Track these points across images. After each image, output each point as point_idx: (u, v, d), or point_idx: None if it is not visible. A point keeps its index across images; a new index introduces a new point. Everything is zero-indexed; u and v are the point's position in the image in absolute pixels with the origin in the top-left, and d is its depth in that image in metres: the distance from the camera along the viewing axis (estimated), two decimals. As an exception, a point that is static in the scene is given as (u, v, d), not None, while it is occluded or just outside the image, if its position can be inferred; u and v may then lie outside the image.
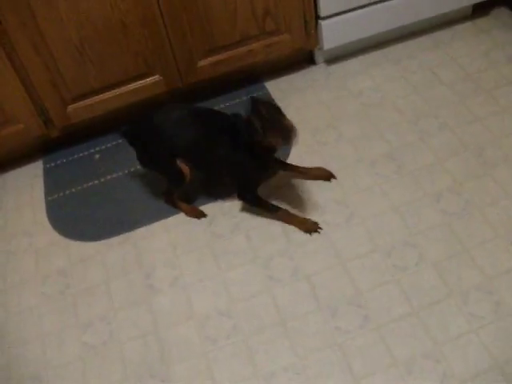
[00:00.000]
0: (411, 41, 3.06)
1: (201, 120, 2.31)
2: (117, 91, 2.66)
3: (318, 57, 3.00)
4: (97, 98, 2.66)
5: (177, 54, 2.63)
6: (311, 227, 2.36)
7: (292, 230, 2.36)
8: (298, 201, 2.46)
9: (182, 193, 2.50)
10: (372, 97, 2.82)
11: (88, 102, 2.66)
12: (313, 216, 2.38)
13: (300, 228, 2.37)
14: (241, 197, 2.42)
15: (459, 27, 3.09)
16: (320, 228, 2.35)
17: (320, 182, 2.49)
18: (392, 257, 2.22)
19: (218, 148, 2.26)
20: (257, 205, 2.41)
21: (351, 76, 2.95)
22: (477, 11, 3.12)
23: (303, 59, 3.03)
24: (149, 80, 2.67)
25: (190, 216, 2.50)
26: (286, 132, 2.06)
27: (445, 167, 2.46)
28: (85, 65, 2.53)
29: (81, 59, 2.51)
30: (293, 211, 2.40)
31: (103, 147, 2.84)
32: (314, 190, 2.48)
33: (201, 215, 2.50)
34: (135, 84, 2.67)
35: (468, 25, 3.10)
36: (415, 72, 2.89)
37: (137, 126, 2.37)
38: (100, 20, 2.44)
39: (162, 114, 2.32)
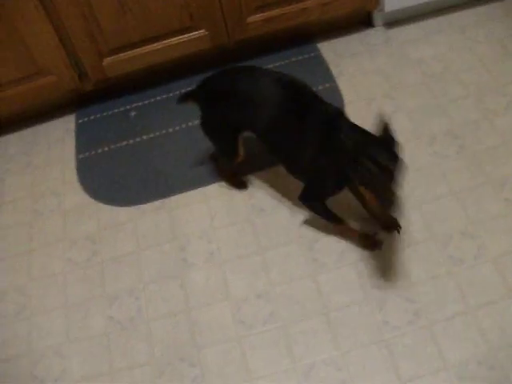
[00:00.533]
0: (480, 7, 2.79)
1: (291, 98, 1.95)
2: (158, 45, 2.48)
3: (377, 19, 2.76)
4: (136, 52, 2.48)
5: (225, 7, 2.43)
6: (372, 244, 2.08)
7: (340, 208, 2.16)
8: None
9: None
10: (434, 66, 2.59)
11: (126, 55, 2.49)
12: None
13: (360, 245, 2.09)
14: (305, 201, 2.05)
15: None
16: (381, 244, 2.08)
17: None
18: (449, 247, 2.03)
19: (304, 142, 1.91)
20: (321, 214, 2.07)
21: (412, 42, 2.70)
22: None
23: (361, 21, 2.78)
24: (193, 34, 2.48)
25: (231, 184, 2.32)
26: (385, 198, 1.87)
27: (511, 151, 2.25)
28: (125, 15, 2.35)
29: (121, 9, 2.33)
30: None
31: (140, 104, 2.66)
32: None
33: (242, 185, 2.32)
34: (178, 38, 2.48)
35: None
36: (482, 42, 2.64)
37: (212, 85, 2.09)
38: (144, -33, 2.24)
39: (244, 78, 2.02)
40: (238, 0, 2.41)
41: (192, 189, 2.33)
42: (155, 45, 2.47)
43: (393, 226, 2.10)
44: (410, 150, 2.29)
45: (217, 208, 2.26)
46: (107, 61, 2.47)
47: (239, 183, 2.32)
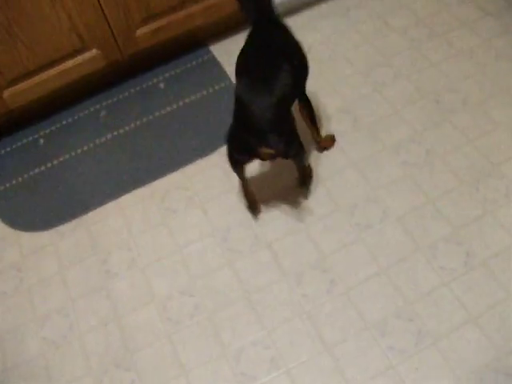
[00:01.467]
0: (357, -11, 2.93)
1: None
2: (54, 70, 2.52)
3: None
4: (34, 80, 2.51)
5: (112, 24, 2.48)
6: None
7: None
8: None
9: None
10: (322, 51, 2.69)
11: (25, 85, 2.51)
12: (274, 184, 2.28)
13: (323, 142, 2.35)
14: (308, 101, 2.15)
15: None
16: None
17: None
18: (355, 215, 2.13)
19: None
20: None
21: (298, 31, 2.75)
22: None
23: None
24: (86, 55, 2.53)
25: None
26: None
27: (402, 117, 2.37)
28: (16, 46, 2.38)
29: (11, 40, 2.36)
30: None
31: (48, 131, 2.69)
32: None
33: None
34: (72, 61, 2.52)
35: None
36: (365, 22, 2.76)
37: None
38: (25, -3, 2.29)
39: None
40: (123, 15, 2.47)
41: (106, 202, 2.38)
42: (51, 71, 2.51)
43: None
44: (309, 133, 2.39)
45: (132, 217, 2.31)
46: (7, 93, 2.49)
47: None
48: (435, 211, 2.09)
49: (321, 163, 2.29)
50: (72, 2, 2.36)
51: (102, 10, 2.43)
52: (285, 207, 2.20)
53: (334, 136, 2.36)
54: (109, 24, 2.48)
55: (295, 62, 2.02)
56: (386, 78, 2.51)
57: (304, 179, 2.24)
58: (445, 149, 2.24)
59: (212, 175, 2.35)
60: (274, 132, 1.81)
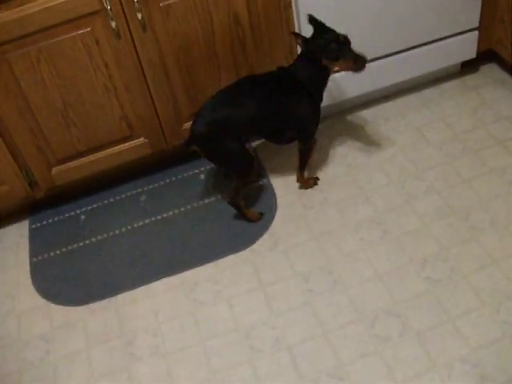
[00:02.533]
0: (398, 99, 3.05)
1: (255, 87, 2.44)
2: (102, 153, 2.66)
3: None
4: (82, 161, 2.66)
5: (161, 117, 2.63)
6: (314, 181, 2.72)
7: (275, 298, 2.32)
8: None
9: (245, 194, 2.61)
10: (358, 158, 2.79)
11: (73, 164, 2.65)
12: (297, 285, 2.36)
13: (307, 185, 2.71)
14: (305, 144, 2.59)
15: (447, 85, 3.07)
16: (318, 179, 2.73)
17: (304, 248, 2.48)
18: (375, 327, 2.18)
19: (285, 101, 2.44)
20: (309, 155, 2.64)
21: (337, 137, 2.93)
22: (466, 68, 3.11)
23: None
24: (134, 143, 2.67)
25: (254, 219, 2.61)
26: (359, 56, 2.36)
27: (430, 232, 2.43)
28: (69, 128, 2.53)
29: (64, 123, 2.52)
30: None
31: (89, 208, 2.82)
32: (295, 256, 2.46)
33: (260, 215, 2.62)
34: (120, 147, 2.67)
35: (456, 82, 3.08)
36: (402, 132, 2.87)
37: (201, 125, 2.40)
38: (83, 85, 2.44)
39: (215, 104, 2.41)
40: (172, 109, 2.61)
41: (138, 286, 2.47)
42: (99, 154, 2.65)
43: (311, 183, 2.71)
44: (337, 238, 2.48)
45: (160, 303, 2.40)
46: (55, 170, 2.64)
47: (258, 216, 2.63)
48: (454, 330, 2.13)
49: (347, 271, 2.36)
50: (126, 94, 2.51)
51: (153, 103, 2.58)
52: (308, 313, 2.26)
53: (316, 179, 2.71)
54: (158, 116, 2.62)
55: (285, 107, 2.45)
56: (418, 191, 2.59)
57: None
58: (469, 268, 2.29)
59: (242, 271, 2.44)
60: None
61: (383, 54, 2.78)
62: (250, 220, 2.60)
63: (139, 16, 2.33)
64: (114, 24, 2.32)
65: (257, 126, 2.47)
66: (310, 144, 2.60)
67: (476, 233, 2.40)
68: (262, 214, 2.62)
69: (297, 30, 2.58)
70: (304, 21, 2.50)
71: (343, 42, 2.33)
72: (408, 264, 2.35)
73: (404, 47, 2.78)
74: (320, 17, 2.44)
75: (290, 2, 2.53)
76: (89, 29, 2.32)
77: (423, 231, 2.44)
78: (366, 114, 3.00)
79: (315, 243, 2.48)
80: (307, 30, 2.45)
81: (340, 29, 2.36)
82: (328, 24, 2.38)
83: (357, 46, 2.38)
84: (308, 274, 2.38)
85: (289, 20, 2.57)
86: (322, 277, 2.36)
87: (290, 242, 2.51)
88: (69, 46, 2.33)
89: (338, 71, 2.51)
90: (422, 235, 2.43)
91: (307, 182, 2.70)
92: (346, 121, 3.00)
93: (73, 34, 2.32)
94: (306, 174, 2.69)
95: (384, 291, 2.28)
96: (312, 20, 2.37)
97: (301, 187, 2.71)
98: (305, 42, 2.35)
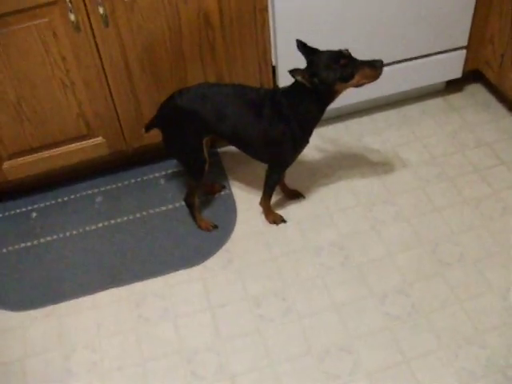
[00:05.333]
0: (377, 114, 2.90)
1: (242, 104, 2.25)
2: (56, 151, 2.51)
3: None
4: (35, 157, 2.51)
5: (121, 117, 2.48)
6: (278, 219, 2.49)
7: (223, 321, 2.19)
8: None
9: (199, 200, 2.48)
10: (327, 174, 2.65)
11: (26, 159, 2.50)
12: (248, 309, 2.22)
13: (269, 218, 2.49)
14: (272, 173, 2.38)
15: (430, 103, 2.93)
16: (284, 221, 2.48)
17: (259, 269, 2.34)
18: (325, 362, 2.05)
19: (267, 130, 2.23)
20: (274, 184, 2.42)
21: (307, 150, 2.73)
22: (451, 86, 2.97)
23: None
24: (91, 142, 2.52)
25: (203, 227, 2.48)
26: (372, 61, 2.10)
27: (395, 263, 2.30)
28: (22, 123, 2.38)
29: (17, 117, 2.36)
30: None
31: (42, 205, 2.67)
32: (249, 277, 2.32)
33: (212, 227, 2.49)
34: (76, 145, 2.52)
35: (439, 101, 2.94)
36: (377, 151, 2.72)
37: (169, 107, 2.28)
38: (38, 78, 2.29)
39: (194, 94, 2.25)
40: (134, 110, 2.47)
41: (83, 295, 2.33)
42: (54, 151, 2.50)
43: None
44: (296, 261, 2.34)
45: (104, 316, 2.26)
46: (7, 165, 2.49)
47: (209, 225, 2.49)
48: (409, 373, 2.00)
49: (302, 298, 2.23)
50: (85, 91, 2.37)
51: (114, 102, 2.43)
52: (256, 341, 2.13)
53: (281, 219, 2.48)
54: (118, 116, 2.47)
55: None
56: (387, 216, 2.45)
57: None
58: (431, 306, 2.16)
59: (192, 289, 2.30)
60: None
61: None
62: (200, 228, 2.48)
63: (101, 10, 2.17)
64: (72, 16, 2.16)
65: (227, 138, 2.35)
66: (281, 175, 2.45)
67: (442, 268, 2.27)
68: (215, 227, 2.48)
69: (272, 35, 2.43)
70: (280, 25, 2.36)
71: (348, 55, 2.09)
72: (367, 296, 2.21)
73: (388, 61, 2.62)
74: (299, 25, 2.30)
75: (266, 6, 2.37)
76: (46, 20, 2.16)
77: (387, 261, 2.31)
78: (341, 127, 2.86)
79: (272, 264, 2.34)
80: (283, 37, 2.32)
81: (321, 39, 2.21)
82: (308, 34, 2.24)
83: None
84: (261, 297, 2.25)
85: (264, 24, 2.42)
86: (275, 302, 2.23)
87: (245, 260, 2.37)
88: (23, 36, 2.17)
89: (359, 85, 2.18)
90: (386, 265, 2.30)
91: (270, 213, 2.50)
92: (315, 134, 2.81)
93: (27, 23, 2.15)
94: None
95: (339, 324, 2.15)
96: (301, 45, 2.13)
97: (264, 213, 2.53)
98: (311, 74, 2.08)
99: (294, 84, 2.17)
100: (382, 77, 2.60)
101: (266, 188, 2.42)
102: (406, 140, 2.75)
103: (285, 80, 2.52)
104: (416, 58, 2.68)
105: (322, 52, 2.11)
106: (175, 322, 2.21)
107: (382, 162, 2.67)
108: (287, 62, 2.47)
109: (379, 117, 2.88)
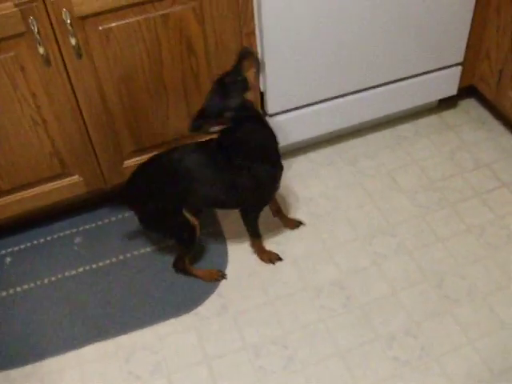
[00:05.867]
0: (370, 135, 2.74)
1: (194, 157, 2.07)
2: (29, 192, 2.31)
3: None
4: (6, 199, 2.29)
5: (99, 153, 2.29)
6: (273, 258, 2.31)
7: (220, 375, 2.02)
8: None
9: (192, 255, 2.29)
10: (322, 206, 2.48)
11: (-4, 203, 2.31)
12: (247, 360, 2.06)
13: (263, 258, 2.32)
14: (246, 217, 2.23)
15: (424, 121, 2.78)
16: (280, 259, 2.31)
17: (256, 315, 2.18)
18: (334, 417, 1.91)
19: (232, 177, 2.05)
20: (255, 224, 2.25)
21: (299, 178, 2.60)
22: (444, 102, 2.82)
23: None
24: (66, 181, 2.32)
25: (209, 280, 2.27)
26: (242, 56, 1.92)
27: (400, 301, 2.16)
28: (-10, 165, 2.19)
29: (-16, 159, 2.17)
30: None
31: (16, 248, 2.46)
32: (246, 324, 2.15)
33: (221, 276, 2.29)
34: (50, 185, 2.31)
35: (433, 118, 2.79)
36: (373, 176, 2.56)
37: (135, 182, 2.15)
38: (6, 117, 2.08)
39: (155, 165, 2.13)
40: (112, 146, 2.28)
41: (66, 351, 2.14)
42: (26, 192, 2.29)
43: (294, 224, 2.39)
44: (295, 305, 2.18)
45: (91, 374, 2.07)
46: (-26, 208, 2.30)
47: (216, 274, 2.29)
48: (421, 425, 1.88)
49: (304, 345, 2.07)
50: (57, 127, 2.17)
51: (90, 138, 2.24)
52: None
53: (277, 257, 2.31)
54: (95, 152, 2.28)
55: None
56: (388, 249, 2.30)
57: None
58: (442, 348, 2.03)
59: (185, 340, 2.12)
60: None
61: (356, 88, 2.47)
62: (204, 280, 2.29)
63: (73, 41, 1.98)
64: (42, 50, 1.96)
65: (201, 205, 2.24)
66: (256, 214, 2.25)
67: (450, 304, 2.14)
68: (223, 276, 2.29)
69: (262, 62, 2.25)
70: (269, 51, 2.19)
71: (220, 77, 1.94)
72: (373, 340, 2.07)
73: (380, 82, 2.48)
74: (289, 50, 2.16)
75: (254, 30, 2.20)
76: (11, 53, 1.96)
77: (391, 299, 2.16)
78: (332, 151, 2.69)
79: (269, 309, 2.18)
80: (272, 63, 2.19)
81: (312, 61, 2.19)
82: (299, 57, 2.18)
83: (328, 78, 2.19)
84: (260, 346, 2.08)
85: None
86: (276, 351, 2.07)
87: (240, 305, 2.20)
88: (-13, 72, 1.98)
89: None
90: (390, 304, 2.15)
91: (263, 252, 2.33)
92: (308, 159, 2.67)
93: (-9, 58, 1.96)
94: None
95: (345, 372, 2.00)
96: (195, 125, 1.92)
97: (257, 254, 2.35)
98: (223, 114, 1.90)
99: (222, 136, 2.01)
100: (375, 98, 2.48)
101: (249, 230, 2.28)
102: (402, 163, 2.60)
103: (274, 106, 2.39)
104: (410, 77, 2.53)
105: (208, 96, 1.95)
106: (169, 378, 2.04)
107: (379, 188, 2.52)
108: (276, 88, 2.34)
109: (373, 138, 2.72)
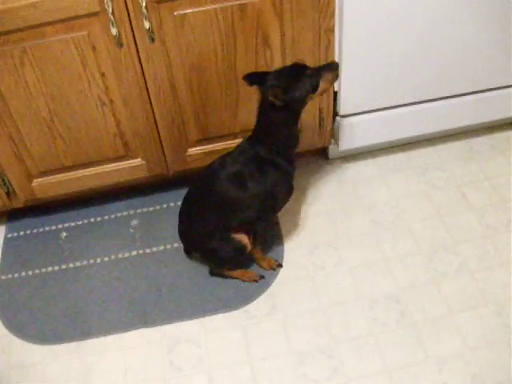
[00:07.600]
0: (442, 145, 2.62)
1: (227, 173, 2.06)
2: (90, 171, 2.31)
3: (333, 152, 2.59)
4: (67, 176, 2.31)
5: (163, 138, 2.27)
6: (273, 264, 2.26)
7: (262, 378, 1.98)
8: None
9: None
10: (385, 214, 2.40)
11: (57, 178, 2.31)
12: (291, 366, 2.01)
13: (263, 265, 2.27)
14: (260, 224, 2.18)
15: (500, 136, 2.64)
16: (281, 265, 2.27)
17: (306, 320, 2.12)
18: None
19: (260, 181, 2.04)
20: (265, 232, 2.24)
21: (366, 182, 2.52)
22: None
23: (315, 152, 2.62)
24: (128, 163, 2.32)
25: (247, 280, 2.23)
26: (329, 66, 1.96)
27: (456, 324, 2.06)
28: (54, 140, 2.19)
29: (50, 134, 2.17)
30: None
31: (73, 224, 2.47)
32: (294, 329, 2.10)
33: (258, 277, 2.24)
34: (112, 165, 2.31)
35: (510, 134, 2.65)
36: (441, 189, 2.46)
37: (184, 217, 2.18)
38: (74, 95, 2.08)
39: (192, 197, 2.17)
40: (177, 132, 2.25)
41: (109, 334, 2.14)
42: (87, 170, 2.30)
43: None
44: (347, 314, 2.11)
45: (132, 360, 2.07)
46: (36, 182, 2.30)
47: (254, 275, 2.25)
48: None
49: (351, 358, 2.00)
50: (124, 109, 2.16)
51: (156, 123, 2.22)
52: None
53: (276, 262, 2.27)
54: (160, 138, 2.26)
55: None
56: (449, 267, 2.20)
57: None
58: (495, 379, 1.93)
59: (230, 337, 2.09)
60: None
61: (432, 97, 2.37)
62: (243, 280, 2.25)
63: (146, 25, 1.95)
64: (114, 31, 1.94)
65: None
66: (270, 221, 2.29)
67: (509, 333, 2.03)
68: (261, 277, 2.25)
69: (336, 59, 2.17)
70: (347, 50, 2.12)
71: (303, 65, 1.94)
72: (423, 361, 1.98)
73: (457, 92, 2.36)
74: (367, 51, 2.12)
75: (333, 27, 2.12)
76: (84, 32, 1.95)
77: (447, 321, 2.07)
78: (402, 158, 2.59)
79: (320, 316, 2.12)
80: (349, 61, 2.17)
81: (388, 62, 2.12)
82: (378, 55, 2.11)
83: (404, 84, 2.14)
84: (306, 353, 2.03)
85: (329, 47, 2.15)
86: (322, 360, 2.01)
87: (290, 309, 2.15)
88: (59, 49, 1.96)
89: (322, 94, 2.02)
90: (445, 326, 2.06)
91: (263, 259, 2.27)
92: (377, 163, 2.59)
93: (64, 36, 1.94)
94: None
95: (392, 391, 1.93)
96: (249, 77, 1.95)
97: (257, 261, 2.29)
98: (284, 91, 1.88)
99: (257, 125, 2.01)
100: (452, 108, 2.38)
101: (260, 238, 2.22)
102: (474, 178, 2.48)
103: (346, 107, 2.31)
104: (490, 90, 2.41)
105: (280, 69, 1.98)
106: (210, 373, 2.01)
107: (446, 202, 2.41)
108: (350, 89, 2.26)
109: (444, 148, 2.61)
